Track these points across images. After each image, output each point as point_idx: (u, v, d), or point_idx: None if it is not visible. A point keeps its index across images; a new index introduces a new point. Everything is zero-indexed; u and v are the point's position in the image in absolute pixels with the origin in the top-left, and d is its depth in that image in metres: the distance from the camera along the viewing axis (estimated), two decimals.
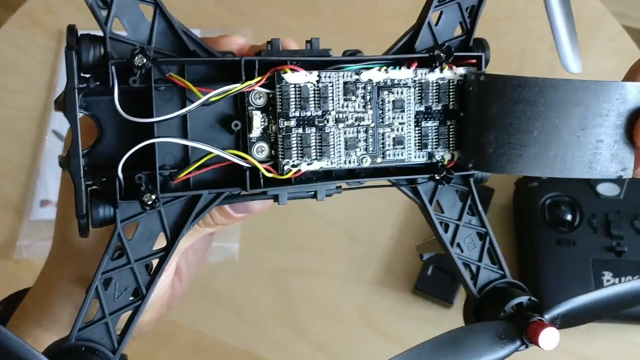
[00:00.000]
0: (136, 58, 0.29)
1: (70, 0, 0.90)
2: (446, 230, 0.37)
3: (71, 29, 0.30)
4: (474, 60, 0.36)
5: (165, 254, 0.32)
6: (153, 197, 0.30)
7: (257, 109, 0.32)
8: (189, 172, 0.32)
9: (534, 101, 0.32)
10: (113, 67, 0.30)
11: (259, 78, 0.32)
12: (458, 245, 0.37)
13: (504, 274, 0.38)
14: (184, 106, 0.31)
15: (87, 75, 0.30)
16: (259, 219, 0.71)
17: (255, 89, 0.32)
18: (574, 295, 0.65)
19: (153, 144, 0.31)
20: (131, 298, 0.32)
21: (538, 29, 0.82)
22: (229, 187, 0.33)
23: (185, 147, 0.32)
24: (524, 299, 0.36)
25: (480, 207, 0.37)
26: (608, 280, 0.64)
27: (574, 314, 0.36)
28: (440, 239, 0.37)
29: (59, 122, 0.80)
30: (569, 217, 0.66)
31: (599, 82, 0.32)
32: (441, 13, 0.35)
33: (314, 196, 0.34)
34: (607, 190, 0.67)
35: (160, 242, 0.32)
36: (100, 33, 0.30)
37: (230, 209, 0.36)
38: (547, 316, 0.35)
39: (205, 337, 0.68)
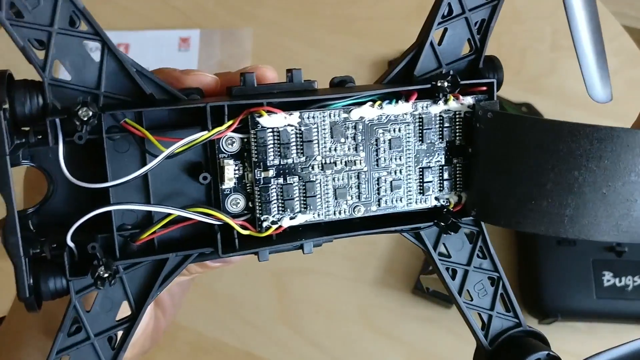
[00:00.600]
0: (80, 112, 0.25)
1: None
2: (454, 277, 0.32)
3: (1, 78, 0.26)
4: (485, 88, 0.31)
5: (130, 325, 0.28)
6: (109, 271, 0.26)
7: (229, 156, 0.28)
8: (152, 233, 0.28)
9: (548, 148, 0.27)
10: (57, 122, 0.26)
11: (230, 123, 0.27)
12: (467, 293, 0.32)
13: (519, 322, 0.33)
14: (143, 157, 0.27)
15: (27, 129, 0.26)
16: None
17: (227, 135, 0.28)
18: (574, 295, 0.65)
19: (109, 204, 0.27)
20: None
21: (538, 29, 0.82)
22: (199, 248, 0.28)
23: None
24: (542, 355, 0.31)
25: (492, 250, 0.33)
26: (608, 281, 0.64)
27: None
28: (447, 287, 0.32)
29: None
30: None
31: (633, 131, 0.26)
32: (445, 30, 0.31)
33: (300, 248, 0.30)
34: None
35: (125, 310, 0.29)
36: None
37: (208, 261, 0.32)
38: None
39: (205, 337, 0.67)
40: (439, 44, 0.31)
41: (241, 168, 0.28)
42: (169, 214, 0.28)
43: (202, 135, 0.27)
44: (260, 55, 0.84)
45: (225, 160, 0.28)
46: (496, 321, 0.33)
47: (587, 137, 0.26)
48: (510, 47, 0.83)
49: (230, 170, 0.28)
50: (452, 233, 0.31)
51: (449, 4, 0.30)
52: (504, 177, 0.28)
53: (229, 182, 0.28)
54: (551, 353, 0.31)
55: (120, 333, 0.28)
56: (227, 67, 0.83)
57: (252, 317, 0.68)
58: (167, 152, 0.26)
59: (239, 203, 0.29)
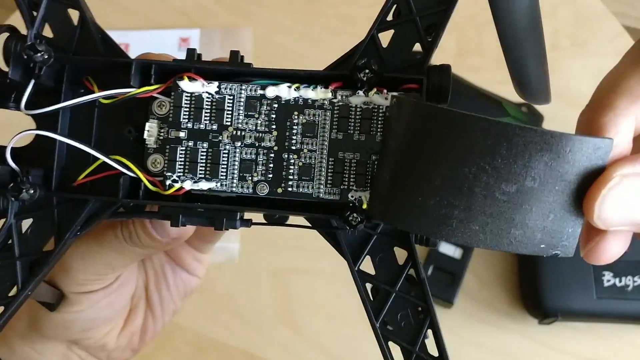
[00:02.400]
0: (37, 55, 0.29)
1: None
2: (374, 296, 0.30)
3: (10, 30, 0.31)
4: (415, 85, 0.29)
5: (50, 256, 0.30)
6: (31, 191, 0.29)
7: (157, 118, 0.30)
8: (85, 176, 0.31)
9: (439, 139, 0.24)
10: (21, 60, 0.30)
11: (157, 86, 0.30)
12: (389, 318, 0.29)
13: None
14: (92, 109, 0.31)
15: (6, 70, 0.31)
16: (258, 218, 0.71)
17: (158, 97, 0.30)
18: (574, 295, 0.64)
19: (55, 140, 0.30)
20: (11, 294, 0.30)
21: None
22: (110, 196, 0.30)
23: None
24: None
25: (423, 276, 0.29)
26: (608, 281, 0.64)
27: None
28: (365, 307, 0.30)
29: None
30: None
31: (531, 129, 0.23)
32: (394, 32, 0.31)
33: (212, 224, 0.30)
34: None
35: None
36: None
37: (152, 229, 0.34)
38: None
39: (205, 337, 0.67)
40: (388, 46, 0.31)
41: (166, 131, 0.30)
42: (96, 161, 0.30)
43: (130, 91, 0.30)
44: (260, 55, 0.84)
45: (151, 119, 0.30)
46: None
47: (481, 131, 0.23)
48: None
49: (153, 128, 0.30)
50: (351, 230, 0.29)
51: (397, 6, 0.30)
52: (392, 172, 0.26)
53: (149, 139, 0.30)
54: None
55: (39, 259, 0.30)
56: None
57: (252, 317, 0.69)
58: (93, 96, 0.30)
59: (159, 163, 0.30)
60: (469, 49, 0.82)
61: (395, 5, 0.30)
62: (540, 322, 0.66)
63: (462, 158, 0.24)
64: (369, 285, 0.30)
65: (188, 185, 0.30)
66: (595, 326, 0.67)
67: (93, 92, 0.30)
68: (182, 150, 0.30)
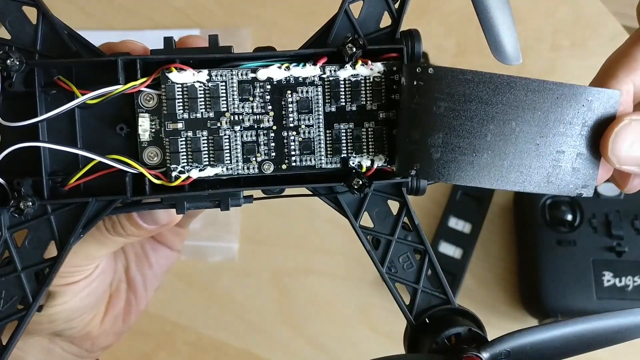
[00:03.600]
0: (8, 61, 0.28)
1: (70, 0, 0.89)
2: (377, 247, 0.33)
3: None
4: (395, 54, 0.32)
5: (54, 263, 0.31)
6: (30, 203, 0.29)
7: (147, 111, 0.30)
8: (78, 179, 0.30)
9: (488, 100, 0.28)
10: None
11: (144, 79, 0.30)
12: (392, 263, 0.33)
13: (446, 298, 0.33)
14: (72, 110, 0.30)
15: None
16: (258, 218, 0.71)
17: (144, 91, 0.30)
18: (574, 295, 0.65)
19: (39, 148, 0.30)
20: (20, 307, 0.30)
21: (538, 29, 0.82)
22: (117, 195, 0.31)
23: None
24: (461, 329, 0.31)
25: (416, 221, 0.33)
26: (608, 281, 0.64)
27: (526, 352, 0.29)
28: (370, 256, 0.33)
29: None
30: (569, 217, 0.66)
31: (563, 84, 0.28)
32: (363, 2, 0.32)
33: (218, 206, 0.31)
34: (607, 190, 0.66)
35: (53, 252, 0.31)
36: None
37: (138, 219, 0.35)
38: (485, 354, 0.29)
39: (205, 337, 0.67)
40: (359, 16, 0.32)
41: (158, 123, 0.30)
42: (93, 160, 0.30)
43: (117, 89, 0.29)
44: None
45: (141, 114, 0.30)
46: (423, 296, 0.33)
47: (522, 89, 0.28)
48: None
49: (146, 123, 0.30)
50: (359, 194, 0.32)
51: None
52: (445, 132, 0.29)
53: (144, 133, 0.30)
54: (472, 328, 0.31)
55: (47, 271, 0.31)
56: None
57: (252, 317, 0.68)
58: (82, 98, 0.29)
59: (156, 155, 0.31)
60: (469, 49, 0.82)
61: None
62: (540, 322, 0.66)
63: (510, 114, 0.28)
64: (370, 238, 0.33)
65: (195, 174, 0.30)
66: None
67: (68, 91, 0.30)
68: (182, 141, 0.30)
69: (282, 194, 0.33)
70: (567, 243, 0.65)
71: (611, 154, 0.28)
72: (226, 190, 0.31)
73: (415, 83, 0.30)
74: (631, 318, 0.33)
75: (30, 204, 0.29)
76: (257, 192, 0.33)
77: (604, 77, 0.31)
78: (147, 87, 0.30)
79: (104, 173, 0.30)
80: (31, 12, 0.31)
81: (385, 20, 0.33)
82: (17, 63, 0.28)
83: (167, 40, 0.31)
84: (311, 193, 0.33)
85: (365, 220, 0.34)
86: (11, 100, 0.30)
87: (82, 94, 0.29)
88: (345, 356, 0.67)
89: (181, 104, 0.30)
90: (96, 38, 0.87)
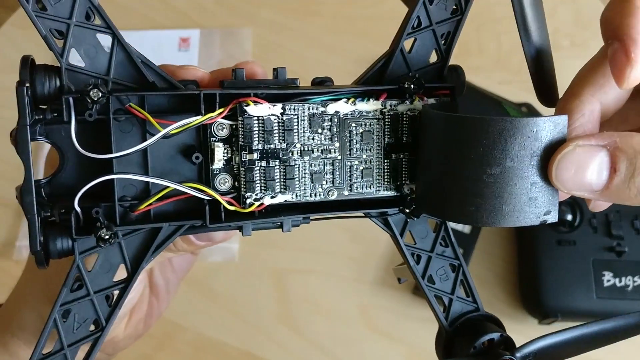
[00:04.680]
0: (91, 92, 0.29)
1: None
2: (418, 262, 0.36)
3: (25, 61, 0.29)
4: (447, 91, 0.34)
5: (125, 286, 0.32)
6: (109, 232, 0.30)
7: (219, 140, 0.32)
8: (149, 204, 0.31)
9: (459, 139, 0.30)
10: (70, 100, 0.29)
11: (221, 110, 0.31)
12: (430, 277, 0.36)
13: (477, 306, 0.36)
14: (144, 138, 0.31)
15: (44, 106, 0.30)
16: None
17: (218, 121, 0.31)
18: (574, 295, 0.65)
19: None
20: (92, 329, 0.31)
21: None
22: (190, 220, 0.32)
23: None
24: (495, 335, 0.34)
25: (452, 239, 0.36)
26: (608, 281, 0.64)
27: (547, 352, 0.33)
28: (412, 271, 0.35)
29: None
30: (569, 217, 0.66)
31: (506, 119, 0.28)
32: (415, 39, 0.34)
33: (280, 227, 0.33)
34: None
35: (121, 273, 0.32)
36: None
37: (193, 237, 0.36)
38: (518, 354, 0.32)
39: (205, 337, 0.67)
40: (409, 52, 0.34)
41: (229, 151, 0.32)
42: (165, 188, 0.31)
43: (196, 119, 0.30)
44: (260, 55, 0.84)
45: (216, 143, 0.31)
46: (456, 305, 0.36)
47: (471, 127, 0.29)
48: (510, 47, 0.83)
49: (220, 152, 0.31)
50: (415, 218, 0.34)
51: (418, 17, 0.34)
52: (426, 169, 0.32)
53: (218, 162, 0.32)
54: (504, 334, 0.34)
55: (116, 293, 0.32)
56: (227, 67, 0.83)
57: (252, 317, 0.69)
58: (164, 131, 0.30)
59: (226, 182, 0.32)
60: (469, 49, 0.82)
61: (417, 17, 0.34)
62: (540, 322, 0.66)
63: (466, 149, 0.29)
64: (412, 254, 0.36)
65: (267, 200, 0.32)
66: None
67: (139, 118, 0.30)
68: (257, 170, 0.32)
69: (336, 216, 0.35)
70: (567, 243, 0.65)
71: (556, 181, 0.28)
72: (298, 216, 0.33)
73: (426, 124, 0.32)
74: (633, 319, 0.36)
75: (110, 232, 0.30)
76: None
77: (569, 96, 0.31)
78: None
79: (174, 199, 0.32)
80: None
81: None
82: (100, 94, 0.29)
83: (239, 73, 0.32)
84: (362, 215, 0.35)
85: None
86: (81, 125, 0.30)
87: (156, 122, 0.30)
88: (345, 356, 0.67)
89: (256, 135, 0.31)
90: None
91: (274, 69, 0.33)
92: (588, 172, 0.27)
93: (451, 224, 0.37)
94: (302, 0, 0.90)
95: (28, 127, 0.29)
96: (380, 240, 0.72)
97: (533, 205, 0.29)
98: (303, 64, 0.82)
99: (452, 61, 0.35)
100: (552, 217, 0.30)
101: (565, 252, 0.65)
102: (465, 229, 0.68)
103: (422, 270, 0.36)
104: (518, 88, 0.76)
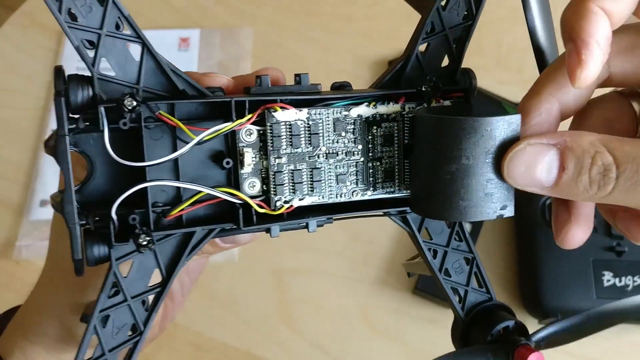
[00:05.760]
0: (126, 101, 0.29)
1: None
2: (435, 256, 0.37)
3: (58, 71, 0.29)
4: (461, 94, 0.36)
5: (161, 290, 0.32)
6: (148, 238, 0.30)
7: (248, 145, 0.32)
8: (182, 210, 0.32)
9: (425, 138, 0.32)
10: (103, 110, 0.30)
11: (250, 116, 0.32)
12: (446, 270, 0.37)
13: (490, 296, 0.38)
14: (174, 144, 0.31)
15: (77, 116, 0.30)
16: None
17: (247, 126, 0.32)
18: (574, 295, 0.65)
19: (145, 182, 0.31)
20: (129, 334, 0.32)
21: None
22: (222, 223, 0.33)
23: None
24: (510, 322, 0.36)
25: (467, 234, 0.37)
26: (608, 280, 0.64)
27: (557, 335, 0.35)
28: (429, 265, 0.37)
29: None
30: None
31: (461, 119, 0.30)
32: (428, 44, 0.35)
33: (305, 227, 0.34)
34: None
35: (155, 277, 0.32)
36: (86, 72, 0.30)
37: (219, 240, 0.36)
38: (533, 339, 0.34)
39: (205, 337, 0.67)
40: (423, 55, 0.35)
41: (257, 156, 0.33)
42: (197, 193, 0.32)
43: (227, 125, 0.31)
44: (260, 55, 0.84)
45: (245, 148, 0.32)
46: (471, 295, 0.37)
47: (432, 125, 0.31)
48: (510, 47, 0.83)
49: (249, 157, 0.32)
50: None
51: (432, 22, 0.35)
52: (414, 171, 0.34)
53: (247, 167, 0.32)
54: (518, 321, 0.36)
55: (152, 297, 0.32)
56: (227, 67, 0.83)
57: (252, 317, 0.69)
58: (198, 138, 0.31)
59: (255, 186, 0.33)
60: (469, 49, 0.82)
61: (430, 23, 0.35)
62: (540, 322, 0.66)
63: (430, 146, 0.31)
64: (429, 249, 0.37)
65: (296, 203, 0.33)
66: None
67: (169, 125, 0.31)
68: (285, 174, 0.33)
69: (357, 215, 0.36)
70: None
71: (508, 177, 0.29)
72: (323, 217, 0.34)
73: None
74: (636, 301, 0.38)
75: (149, 238, 0.30)
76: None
77: (530, 94, 0.32)
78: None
79: (206, 204, 0.32)
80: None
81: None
82: (135, 103, 0.29)
83: (264, 80, 0.33)
84: (382, 214, 0.36)
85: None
86: (111, 133, 0.30)
87: (190, 130, 0.31)
88: (345, 356, 0.67)
89: (284, 139, 0.33)
90: None
91: (296, 75, 0.34)
92: (538, 169, 0.28)
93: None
94: (302, 0, 0.90)
95: (67, 137, 0.29)
96: (380, 240, 0.72)
97: (489, 200, 0.30)
98: (303, 64, 0.82)
99: None
100: (509, 212, 0.31)
101: (565, 252, 0.64)
102: (466, 226, 0.68)
103: (439, 264, 0.37)
104: (518, 88, 0.76)
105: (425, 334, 0.67)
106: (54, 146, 0.29)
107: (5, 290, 0.71)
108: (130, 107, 0.29)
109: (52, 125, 0.79)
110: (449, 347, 0.35)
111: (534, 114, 0.31)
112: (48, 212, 0.73)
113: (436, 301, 0.68)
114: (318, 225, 0.35)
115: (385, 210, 0.35)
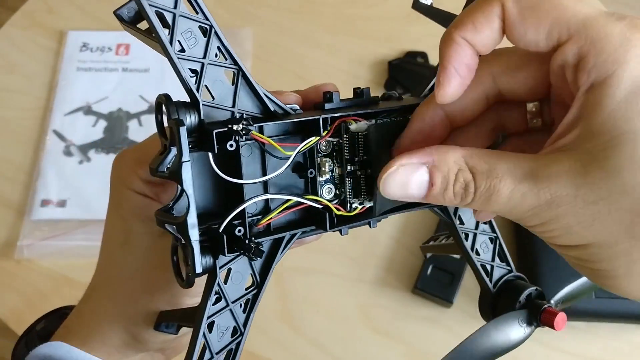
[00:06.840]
0: (235, 126, 0.31)
1: (70, 0, 0.90)
2: (466, 239, 0.42)
3: (169, 100, 0.31)
4: None
5: (257, 292, 0.36)
6: (254, 248, 0.32)
7: (325, 155, 0.35)
8: (271, 218, 0.35)
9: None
10: (215, 134, 0.31)
11: (329, 130, 0.35)
12: (477, 250, 0.42)
13: (510, 269, 0.43)
14: (263, 159, 0.34)
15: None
16: None
17: (326, 139, 0.35)
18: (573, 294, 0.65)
19: (242, 196, 0.33)
20: (231, 336, 0.35)
21: None
22: (305, 227, 0.36)
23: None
24: (532, 289, 0.41)
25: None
26: None
27: (567, 296, 0.45)
28: (463, 247, 0.42)
29: (59, 122, 0.80)
30: None
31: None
32: None
33: (368, 224, 0.37)
34: None
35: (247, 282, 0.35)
36: (180, 97, 0.32)
37: None
38: (552, 301, 0.41)
39: None
40: None
41: (332, 164, 0.36)
42: (286, 201, 0.35)
43: (312, 140, 0.34)
44: (260, 55, 0.84)
45: (323, 158, 0.35)
46: (496, 270, 0.43)
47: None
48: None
49: (327, 166, 0.35)
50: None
51: None
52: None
53: (325, 175, 0.35)
54: (538, 288, 0.42)
55: (248, 299, 0.36)
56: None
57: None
58: (295, 152, 0.34)
59: (331, 191, 0.36)
60: None
61: None
62: None
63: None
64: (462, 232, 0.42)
65: (367, 204, 0.36)
66: (595, 326, 0.67)
67: (259, 142, 0.33)
68: (362, 179, 0.36)
69: (408, 209, 0.39)
70: None
71: (384, 194, 0.32)
72: (382, 215, 0.37)
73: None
74: None
75: (255, 246, 0.33)
76: None
77: (421, 105, 0.35)
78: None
79: (290, 211, 0.35)
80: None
81: None
82: (242, 127, 0.31)
83: (335, 95, 0.36)
84: (426, 208, 0.39)
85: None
86: (207, 154, 0.32)
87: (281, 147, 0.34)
88: (345, 355, 0.67)
89: (357, 148, 0.35)
90: (97, 38, 0.88)
91: (357, 89, 0.37)
92: (410, 187, 0.31)
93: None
94: (302, 1, 0.90)
95: (190, 163, 0.30)
96: (380, 240, 0.72)
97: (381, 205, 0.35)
98: (303, 64, 0.82)
99: None
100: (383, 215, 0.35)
101: None
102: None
103: (471, 245, 0.42)
104: None
105: (425, 333, 0.68)
106: (176, 172, 0.30)
107: (6, 289, 0.71)
108: (244, 132, 0.31)
109: (53, 125, 0.79)
110: (448, 346, 0.35)
111: (417, 121, 0.35)
112: (48, 212, 0.73)
113: (435, 301, 0.68)
114: (377, 221, 0.38)
115: (429, 206, 0.39)
